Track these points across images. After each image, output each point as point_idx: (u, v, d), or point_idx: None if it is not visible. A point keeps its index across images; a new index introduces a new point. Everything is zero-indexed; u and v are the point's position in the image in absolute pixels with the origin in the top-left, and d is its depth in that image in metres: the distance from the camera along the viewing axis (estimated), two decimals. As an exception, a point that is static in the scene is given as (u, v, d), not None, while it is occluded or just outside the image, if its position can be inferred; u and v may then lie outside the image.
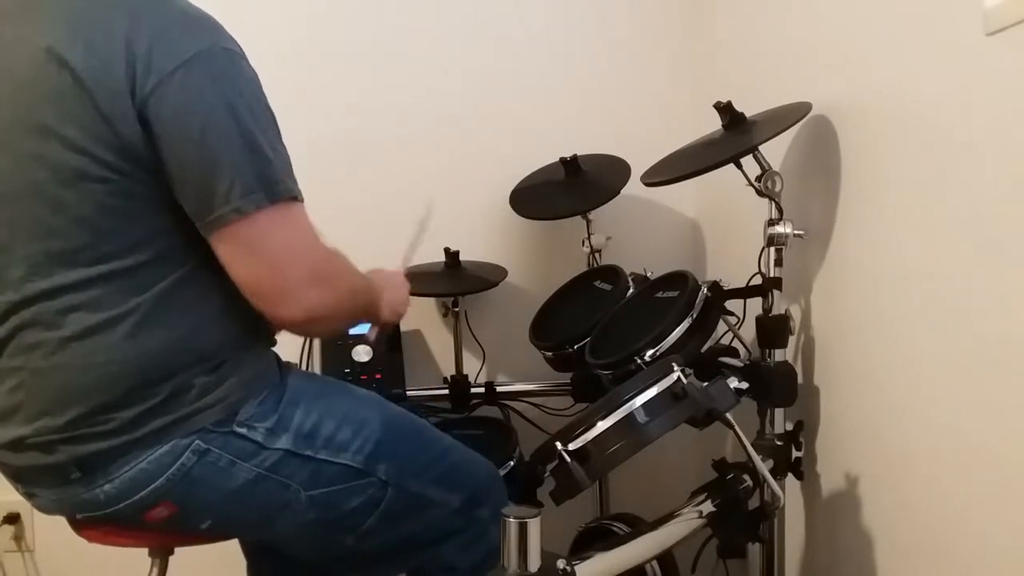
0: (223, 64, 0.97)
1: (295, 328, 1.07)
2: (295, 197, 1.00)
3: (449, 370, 1.81)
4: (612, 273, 1.60)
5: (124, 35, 0.93)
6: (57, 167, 0.94)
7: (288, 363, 1.15)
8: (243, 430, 1.03)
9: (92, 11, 0.95)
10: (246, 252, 0.98)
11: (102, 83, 0.92)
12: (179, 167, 0.95)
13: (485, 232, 1.87)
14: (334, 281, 1.05)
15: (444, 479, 1.15)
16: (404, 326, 1.81)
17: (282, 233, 0.99)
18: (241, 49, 1.00)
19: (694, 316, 1.28)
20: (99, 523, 1.07)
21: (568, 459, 1.07)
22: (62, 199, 0.95)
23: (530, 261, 1.88)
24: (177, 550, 1.20)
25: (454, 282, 1.75)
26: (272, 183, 0.97)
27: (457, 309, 1.78)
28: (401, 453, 1.13)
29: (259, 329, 1.09)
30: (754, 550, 1.38)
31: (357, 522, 1.10)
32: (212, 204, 0.95)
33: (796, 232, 1.30)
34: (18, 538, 1.85)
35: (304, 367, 1.70)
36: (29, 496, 1.08)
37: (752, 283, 1.35)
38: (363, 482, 1.09)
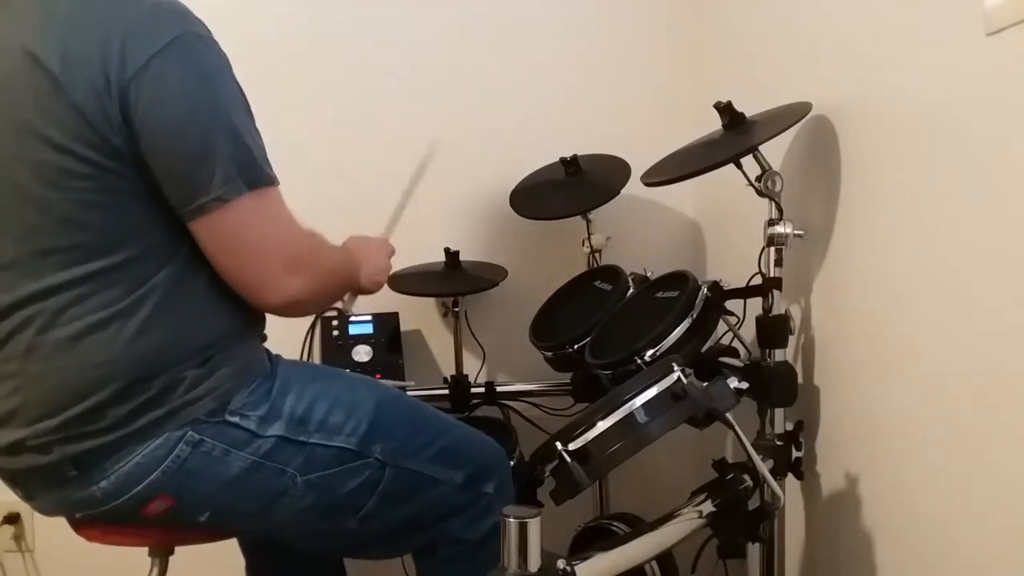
0: (196, 51, 0.97)
1: (278, 313, 1.09)
2: (272, 182, 1.02)
3: (449, 370, 1.81)
4: (612, 273, 1.60)
5: (97, 32, 0.93)
6: (39, 167, 0.95)
7: (278, 355, 1.15)
8: (235, 419, 1.03)
9: (66, 9, 0.96)
10: (227, 242, 1.00)
11: (77, 81, 0.92)
12: (160, 157, 0.95)
13: (485, 232, 1.87)
14: (313, 267, 1.07)
15: (444, 456, 1.16)
16: (404, 326, 1.81)
17: (261, 222, 1.01)
18: (211, 33, 1.00)
19: (694, 316, 1.28)
20: (99, 522, 1.07)
21: (568, 459, 1.07)
22: (47, 199, 0.95)
23: (530, 261, 1.88)
24: (177, 550, 1.20)
25: (454, 282, 1.75)
26: (251, 170, 0.99)
27: (457, 309, 1.78)
28: (396, 433, 1.13)
29: (249, 320, 1.09)
30: (754, 550, 1.38)
31: (357, 504, 1.11)
32: (195, 192, 0.96)
33: (796, 232, 1.30)
34: (18, 538, 1.85)
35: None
36: (28, 499, 1.08)
37: (752, 283, 1.35)
38: (359, 463, 1.09)
